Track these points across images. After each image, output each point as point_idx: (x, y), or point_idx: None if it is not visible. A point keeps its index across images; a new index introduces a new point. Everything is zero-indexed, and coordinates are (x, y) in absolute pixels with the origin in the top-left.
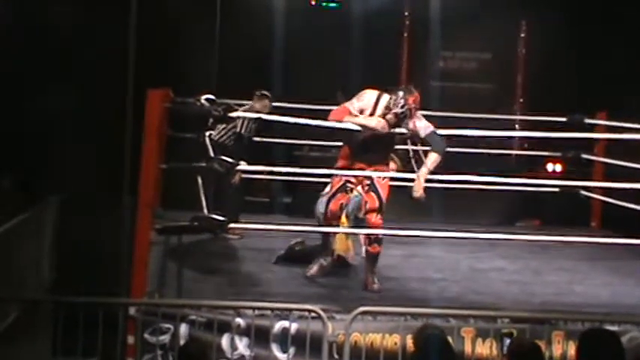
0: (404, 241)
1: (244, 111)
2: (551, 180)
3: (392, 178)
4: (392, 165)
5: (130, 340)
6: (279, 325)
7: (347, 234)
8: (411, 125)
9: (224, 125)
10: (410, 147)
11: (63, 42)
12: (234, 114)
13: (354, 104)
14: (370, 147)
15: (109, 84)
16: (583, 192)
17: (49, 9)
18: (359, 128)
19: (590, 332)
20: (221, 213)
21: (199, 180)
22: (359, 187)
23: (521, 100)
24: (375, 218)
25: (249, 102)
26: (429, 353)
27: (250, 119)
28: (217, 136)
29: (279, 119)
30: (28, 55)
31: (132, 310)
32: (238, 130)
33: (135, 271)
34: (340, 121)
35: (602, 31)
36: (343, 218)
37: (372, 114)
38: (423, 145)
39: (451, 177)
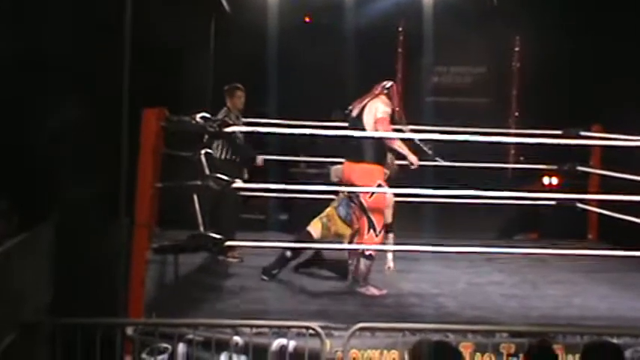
0: (401, 257)
1: (223, 115)
2: (548, 193)
3: None
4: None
5: None
6: (277, 343)
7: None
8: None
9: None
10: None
11: (57, 64)
12: (229, 129)
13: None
14: None
15: (104, 104)
16: (579, 205)
17: (44, 30)
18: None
19: (592, 345)
20: (218, 231)
21: (195, 198)
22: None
23: (517, 114)
24: None
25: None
26: None
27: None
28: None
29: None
30: (24, 79)
31: (129, 331)
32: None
33: (132, 290)
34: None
35: (595, 44)
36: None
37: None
38: None
39: (448, 192)
